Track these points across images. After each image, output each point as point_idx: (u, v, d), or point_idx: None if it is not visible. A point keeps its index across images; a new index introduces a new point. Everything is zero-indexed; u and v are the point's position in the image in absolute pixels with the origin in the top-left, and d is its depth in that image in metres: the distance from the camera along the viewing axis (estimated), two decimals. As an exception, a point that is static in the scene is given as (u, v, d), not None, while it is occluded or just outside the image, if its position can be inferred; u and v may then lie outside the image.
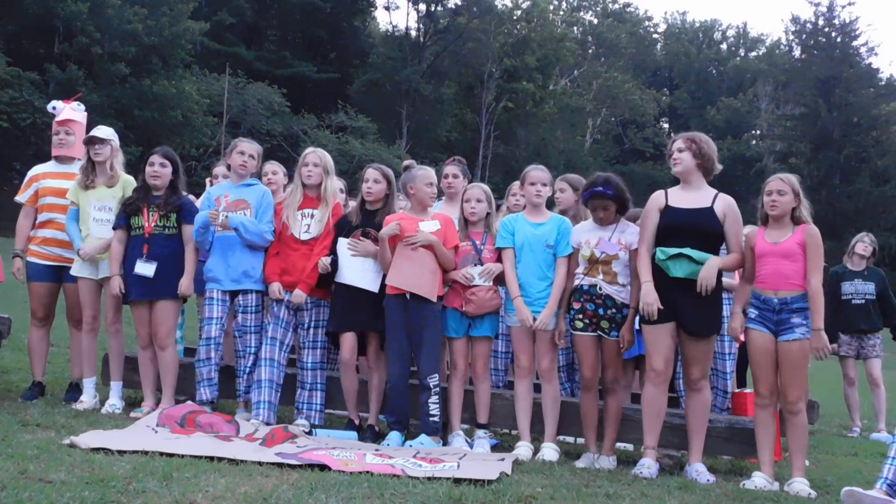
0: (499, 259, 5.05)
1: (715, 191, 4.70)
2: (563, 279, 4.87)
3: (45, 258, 5.59)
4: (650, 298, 4.49)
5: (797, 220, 4.56)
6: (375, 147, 35.48)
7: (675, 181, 4.83)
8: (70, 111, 5.76)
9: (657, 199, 4.72)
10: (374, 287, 5.09)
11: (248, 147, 5.41)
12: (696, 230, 4.53)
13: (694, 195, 4.65)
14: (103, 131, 5.54)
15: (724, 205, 4.62)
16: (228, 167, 5.57)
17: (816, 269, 4.51)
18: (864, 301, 7.67)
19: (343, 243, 5.14)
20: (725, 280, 5.00)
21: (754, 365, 4.58)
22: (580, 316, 4.77)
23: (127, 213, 5.31)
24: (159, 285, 5.23)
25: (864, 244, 7.82)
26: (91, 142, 5.47)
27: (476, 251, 5.08)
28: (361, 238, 5.13)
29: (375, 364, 5.21)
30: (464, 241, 5.11)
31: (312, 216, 5.24)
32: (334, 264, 5.12)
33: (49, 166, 5.79)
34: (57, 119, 5.76)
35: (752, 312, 4.57)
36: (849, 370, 7.81)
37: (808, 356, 4.54)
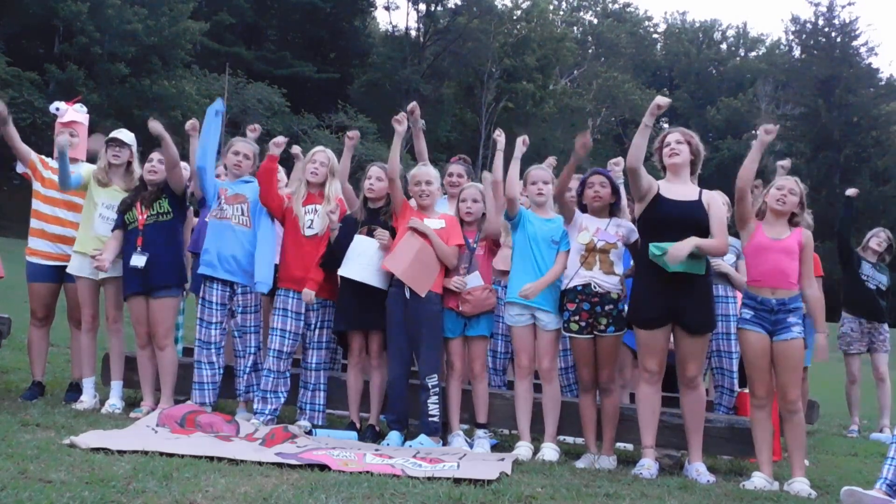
0: (495, 254, 5.08)
1: (699, 187, 4.76)
2: (559, 269, 4.86)
3: (45, 257, 5.59)
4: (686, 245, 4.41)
5: (794, 223, 4.61)
6: (376, 147, 35.46)
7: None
8: (74, 112, 5.77)
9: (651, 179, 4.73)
10: (383, 285, 5.07)
11: (242, 147, 5.40)
12: (687, 222, 4.54)
13: (683, 188, 4.68)
14: (125, 135, 5.60)
15: (708, 196, 4.68)
16: (226, 166, 5.56)
17: (811, 275, 4.55)
18: (875, 287, 7.67)
19: (360, 240, 5.10)
20: (715, 262, 5.02)
21: (749, 366, 4.58)
22: (575, 318, 4.76)
23: (121, 212, 5.33)
24: (154, 276, 5.23)
25: (878, 239, 7.77)
26: (112, 142, 5.49)
27: (469, 249, 5.08)
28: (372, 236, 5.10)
29: (378, 363, 5.20)
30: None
31: (316, 211, 5.24)
32: (334, 254, 5.09)
33: (52, 164, 5.78)
34: (61, 120, 5.76)
35: (748, 313, 4.57)
36: (853, 369, 7.78)
37: (804, 355, 4.56)
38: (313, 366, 5.24)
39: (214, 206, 5.31)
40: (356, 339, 5.20)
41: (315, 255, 5.17)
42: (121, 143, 5.52)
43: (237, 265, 5.21)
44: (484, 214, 5.15)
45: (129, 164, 5.60)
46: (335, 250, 5.13)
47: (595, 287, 4.72)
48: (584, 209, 4.93)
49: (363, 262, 5.07)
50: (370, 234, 5.12)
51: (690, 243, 4.42)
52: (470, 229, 5.15)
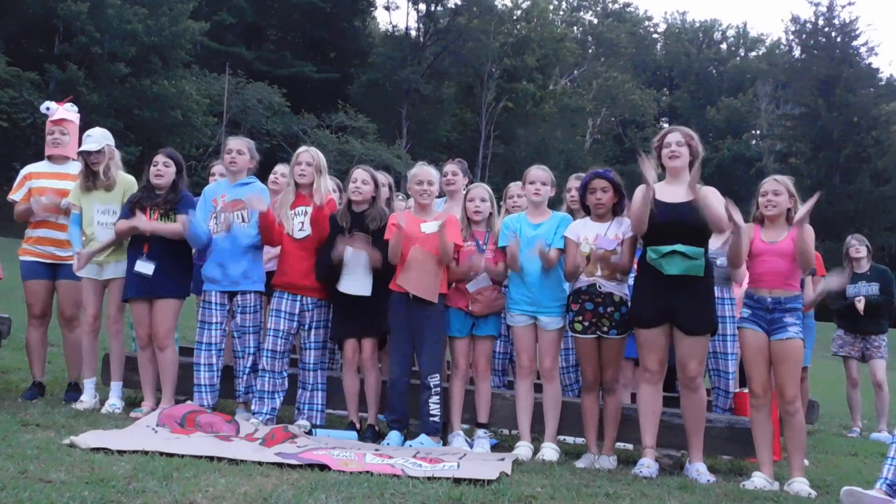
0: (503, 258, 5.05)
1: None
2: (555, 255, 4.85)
3: (39, 256, 5.60)
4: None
5: (791, 220, 4.58)
6: (375, 147, 35.53)
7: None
8: (64, 111, 5.76)
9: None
10: (366, 291, 5.06)
11: (234, 144, 5.36)
12: (684, 224, 4.53)
13: (679, 189, 4.65)
14: (94, 139, 5.46)
15: (706, 192, 4.62)
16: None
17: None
18: (864, 304, 7.63)
19: (349, 253, 5.08)
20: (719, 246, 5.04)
21: (748, 364, 4.60)
22: (579, 318, 4.77)
23: (131, 210, 5.29)
24: (158, 284, 5.22)
25: (853, 247, 7.78)
26: (85, 154, 5.43)
27: (479, 250, 5.08)
28: (353, 236, 5.07)
29: (371, 365, 5.20)
30: (467, 241, 5.10)
31: (306, 213, 5.22)
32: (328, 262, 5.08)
33: (42, 166, 5.78)
34: (51, 118, 5.76)
35: (745, 311, 4.59)
36: (852, 372, 7.77)
37: (803, 354, 4.57)
38: (311, 366, 5.24)
39: (210, 223, 5.28)
40: (349, 343, 5.20)
41: (304, 258, 5.16)
42: (95, 151, 5.42)
43: (241, 274, 5.20)
44: (490, 214, 5.15)
45: (108, 164, 5.50)
46: (324, 255, 5.12)
47: (600, 287, 4.73)
48: (587, 210, 4.93)
49: (346, 272, 5.07)
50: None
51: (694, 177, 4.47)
52: (478, 229, 5.14)
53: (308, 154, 5.30)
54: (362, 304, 5.08)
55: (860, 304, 7.48)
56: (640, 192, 4.56)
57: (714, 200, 4.55)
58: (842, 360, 7.89)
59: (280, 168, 6.15)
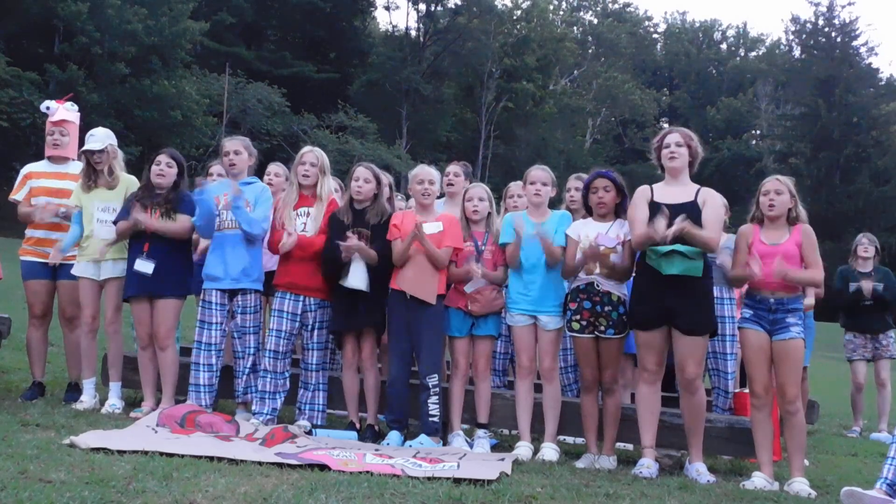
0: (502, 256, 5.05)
1: (697, 185, 4.72)
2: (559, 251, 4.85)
3: (39, 256, 5.60)
4: (660, 225, 4.42)
5: (792, 221, 4.59)
6: (375, 147, 35.53)
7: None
8: (64, 111, 5.76)
9: (643, 191, 4.73)
10: (363, 286, 5.05)
11: (230, 145, 5.35)
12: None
13: (678, 190, 4.66)
14: (98, 138, 5.47)
15: (706, 195, 4.63)
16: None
17: (816, 264, 4.54)
18: (872, 301, 7.65)
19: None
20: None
21: (749, 364, 4.60)
22: (577, 317, 4.77)
23: (130, 209, 5.28)
24: (159, 283, 5.22)
25: (863, 246, 7.83)
26: (88, 153, 5.44)
27: (477, 251, 5.08)
28: (351, 235, 5.05)
29: (371, 364, 5.20)
30: (466, 242, 5.10)
31: (308, 214, 5.23)
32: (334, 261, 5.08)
33: (42, 165, 5.78)
34: (51, 119, 5.75)
35: (747, 312, 4.59)
36: (859, 376, 7.80)
37: (804, 354, 4.57)
38: (313, 366, 5.24)
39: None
40: (349, 341, 5.20)
41: (312, 257, 5.16)
42: (98, 151, 5.44)
43: (242, 272, 5.20)
44: (490, 214, 5.15)
45: (111, 164, 5.52)
46: (326, 254, 5.12)
47: (598, 285, 4.73)
48: (589, 211, 4.93)
49: (353, 269, 5.05)
50: (358, 235, 5.10)
51: (679, 227, 4.39)
52: (478, 229, 5.14)
53: (312, 154, 5.30)
54: (360, 298, 5.07)
55: (868, 286, 7.52)
56: (642, 232, 4.54)
57: (711, 213, 4.55)
58: (849, 362, 7.90)
59: (273, 168, 6.14)
